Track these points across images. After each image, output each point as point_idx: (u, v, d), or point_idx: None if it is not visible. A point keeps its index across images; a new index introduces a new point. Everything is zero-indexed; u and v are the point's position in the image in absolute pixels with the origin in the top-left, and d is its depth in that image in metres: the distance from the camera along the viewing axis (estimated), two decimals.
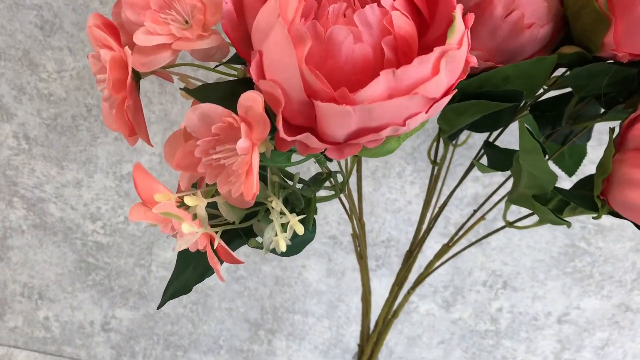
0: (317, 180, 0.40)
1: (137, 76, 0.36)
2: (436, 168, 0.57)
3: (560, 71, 0.47)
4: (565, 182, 0.54)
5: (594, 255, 0.82)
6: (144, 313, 0.92)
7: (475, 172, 0.80)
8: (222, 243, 0.34)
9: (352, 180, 0.56)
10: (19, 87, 0.76)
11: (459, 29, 0.30)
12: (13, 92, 0.77)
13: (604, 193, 0.40)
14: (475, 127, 0.50)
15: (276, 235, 0.32)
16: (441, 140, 0.55)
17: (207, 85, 0.34)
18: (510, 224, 0.51)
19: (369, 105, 0.28)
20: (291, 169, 0.38)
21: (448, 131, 0.48)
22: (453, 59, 0.30)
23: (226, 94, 0.34)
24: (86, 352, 0.96)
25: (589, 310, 0.87)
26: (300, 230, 0.31)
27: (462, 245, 0.59)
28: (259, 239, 0.38)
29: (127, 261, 0.88)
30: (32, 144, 0.80)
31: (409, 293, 0.61)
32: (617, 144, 0.41)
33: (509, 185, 0.54)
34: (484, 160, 0.53)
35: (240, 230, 0.37)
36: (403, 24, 0.31)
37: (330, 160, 0.41)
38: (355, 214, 0.55)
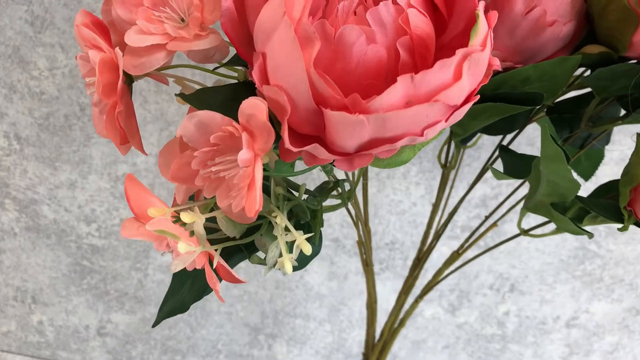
0: (324, 190, 0.37)
1: (129, 79, 0.33)
2: (439, 172, 0.55)
3: (579, 70, 0.44)
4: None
5: (604, 258, 0.80)
6: (141, 317, 0.90)
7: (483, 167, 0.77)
8: (223, 262, 0.31)
9: (358, 184, 0.54)
10: (9, 86, 0.73)
11: (482, 29, 0.27)
12: (3, 91, 0.74)
13: (630, 203, 0.38)
14: (489, 130, 0.48)
15: (281, 255, 0.30)
16: (451, 142, 0.53)
17: (205, 89, 0.31)
18: (525, 232, 0.48)
19: (384, 115, 0.26)
20: (296, 179, 0.36)
21: (461, 135, 0.45)
22: (476, 62, 0.27)
23: (226, 99, 0.31)
24: (81, 356, 0.93)
25: (599, 314, 0.84)
26: (307, 250, 0.29)
27: (470, 250, 0.56)
28: (260, 254, 0.36)
29: (123, 264, 0.85)
30: (23, 144, 0.77)
31: (416, 301, 0.58)
32: None
33: (520, 190, 0.51)
34: (497, 164, 0.50)
35: (241, 245, 0.34)
36: (420, 23, 0.28)
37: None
38: (361, 221, 0.52)
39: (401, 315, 0.60)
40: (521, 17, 0.37)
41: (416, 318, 0.86)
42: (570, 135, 0.46)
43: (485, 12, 0.29)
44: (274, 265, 0.31)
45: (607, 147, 0.52)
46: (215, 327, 0.90)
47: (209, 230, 0.33)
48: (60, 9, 0.68)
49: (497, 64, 0.29)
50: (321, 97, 0.27)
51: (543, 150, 0.36)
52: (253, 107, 0.27)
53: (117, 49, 0.31)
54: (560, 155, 0.35)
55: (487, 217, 0.53)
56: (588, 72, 0.44)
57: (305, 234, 0.37)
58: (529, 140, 0.72)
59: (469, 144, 0.56)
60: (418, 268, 0.56)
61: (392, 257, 0.82)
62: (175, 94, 0.29)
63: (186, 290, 0.36)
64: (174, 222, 0.31)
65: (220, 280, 0.34)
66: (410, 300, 0.62)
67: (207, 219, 0.32)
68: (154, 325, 0.38)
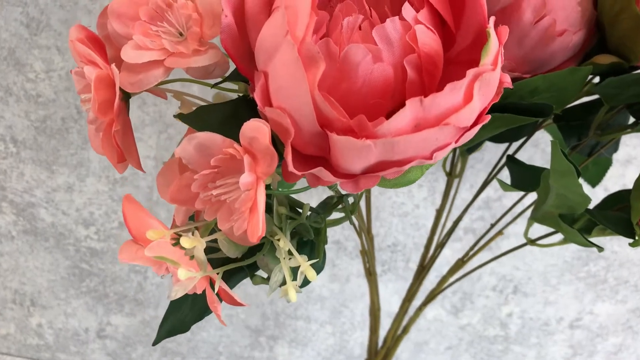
0: (327, 206, 0.36)
1: (126, 95, 0.32)
2: (442, 175, 0.54)
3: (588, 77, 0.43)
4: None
5: (609, 259, 0.79)
6: (141, 319, 0.89)
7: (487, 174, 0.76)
8: (225, 286, 0.30)
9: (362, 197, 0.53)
10: (5, 88, 0.72)
11: (493, 48, 0.26)
12: None
13: None
14: (496, 138, 0.46)
15: (284, 281, 0.29)
16: (456, 150, 0.52)
17: (204, 107, 0.30)
18: (532, 242, 0.47)
19: (392, 139, 0.24)
20: (298, 195, 0.35)
21: (467, 144, 0.44)
22: (487, 82, 0.26)
23: (226, 117, 0.30)
24: (81, 358, 0.93)
25: (603, 315, 0.84)
26: (312, 276, 0.28)
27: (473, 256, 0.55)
28: (262, 272, 0.35)
29: (122, 267, 0.85)
30: (20, 147, 0.76)
31: (420, 309, 0.57)
32: None
33: (525, 195, 0.50)
34: (501, 173, 0.49)
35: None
36: (428, 40, 0.27)
37: None
38: (364, 229, 0.51)
39: (405, 322, 0.59)
40: (530, 26, 0.36)
41: (418, 320, 0.85)
42: (579, 143, 0.45)
43: (495, 25, 0.28)
44: (278, 289, 0.30)
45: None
46: (215, 329, 0.89)
47: (209, 249, 0.32)
48: (56, 11, 0.67)
49: (508, 81, 0.28)
50: (326, 119, 0.26)
51: (553, 164, 0.35)
52: (255, 130, 0.26)
53: (113, 65, 0.30)
54: (571, 170, 0.34)
55: (492, 225, 0.52)
56: (597, 79, 0.43)
57: (309, 251, 0.37)
58: (534, 141, 0.71)
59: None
60: (422, 275, 0.55)
61: (394, 260, 0.81)
62: (174, 115, 0.28)
63: (187, 308, 0.35)
64: (174, 244, 0.30)
65: (221, 300, 0.33)
66: (414, 303, 0.61)
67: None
68: (154, 344, 0.37)
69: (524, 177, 0.41)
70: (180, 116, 0.28)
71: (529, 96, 0.38)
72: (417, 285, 0.55)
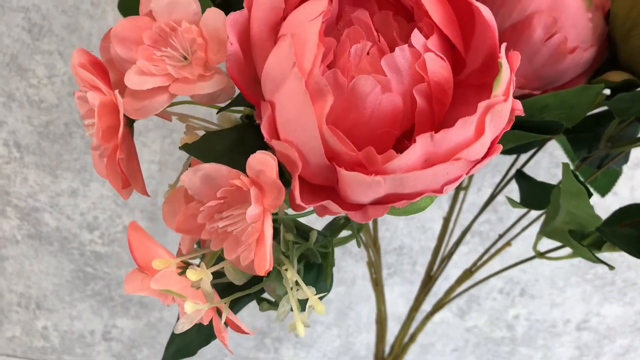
0: (334, 228, 0.36)
1: (130, 121, 0.31)
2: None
3: None
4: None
5: (616, 261, 0.78)
6: (146, 322, 0.89)
7: (493, 177, 0.76)
8: (232, 315, 0.30)
9: None
10: (7, 94, 0.72)
11: (505, 78, 0.25)
12: (1, 99, 0.72)
13: None
14: (505, 151, 0.46)
15: (292, 309, 0.28)
16: None
17: (209, 135, 0.30)
18: (540, 255, 0.47)
19: (402, 175, 0.24)
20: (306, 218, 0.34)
21: None
22: (499, 114, 0.25)
23: (232, 143, 0.30)
24: None
25: (610, 317, 0.83)
26: (321, 310, 0.27)
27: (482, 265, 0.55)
28: (267, 295, 0.34)
29: (128, 270, 0.84)
30: (23, 152, 0.76)
31: (427, 318, 0.57)
32: None
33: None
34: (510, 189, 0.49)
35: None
36: (438, 68, 0.26)
37: None
38: (370, 241, 0.51)
39: (412, 330, 0.59)
40: (541, 43, 0.35)
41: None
42: (588, 155, 0.44)
43: (506, 50, 0.28)
44: (285, 318, 0.29)
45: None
46: None
47: (214, 274, 0.32)
48: (58, 16, 0.66)
49: (520, 108, 0.27)
50: (334, 152, 0.25)
51: (564, 185, 0.34)
52: (262, 163, 0.26)
53: (116, 91, 0.29)
54: (582, 192, 0.34)
55: (500, 236, 0.51)
56: (608, 90, 0.43)
57: (316, 273, 0.36)
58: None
59: None
60: (429, 285, 0.55)
61: (400, 262, 0.81)
62: (180, 147, 0.28)
63: (193, 333, 0.35)
64: (180, 273, 0.29)
65: (227, 325, 0.33)
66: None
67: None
68: None
69: (534, 193, 0.40)
70: (185, 147, 0.28)
71: (539, 113, 0.37)
72: (424, 294, 0.55)
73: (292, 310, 0.29)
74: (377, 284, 0.53)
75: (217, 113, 0.31)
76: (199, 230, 0.28)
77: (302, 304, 0.29)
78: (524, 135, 0.37)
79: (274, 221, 0.32)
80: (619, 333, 0.84)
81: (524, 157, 0.48)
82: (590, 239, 0.41)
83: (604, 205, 0.75)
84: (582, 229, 0.39)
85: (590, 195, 0.34)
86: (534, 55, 0.36)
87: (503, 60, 0.25)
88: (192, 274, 0.27)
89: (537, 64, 0.36)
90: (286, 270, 0.29)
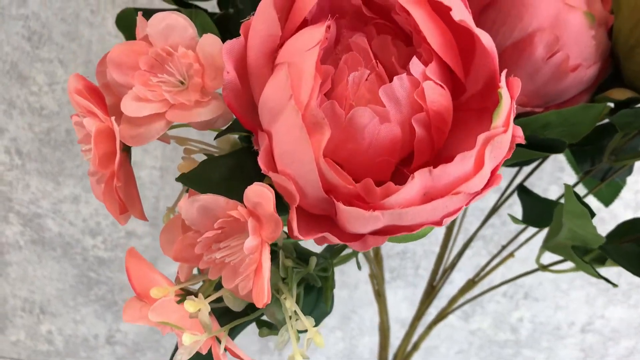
0: (334, 250, 0.35)
1: (127, 146, 0.31)
2: None
3: None
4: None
5: None
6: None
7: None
8: (231, 344, 0.29)
9: None
10: (8, 101, 0.71)
11: (504, 109, 0.25)
12: (2, 107, 0.72)
13: None
14: (506, 164, 0.45)
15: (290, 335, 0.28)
16: None
17: (206, 163, 0.29)
18: (544, 268, 0.46)
19: (400, 210, 0.24)
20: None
21: None
22: (499, 145, 0.25)
23: (230, 171, 0.29)
24: None
25: (615, 319, 0.83)
26: (320, 343, 0.27)
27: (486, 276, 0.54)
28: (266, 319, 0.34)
29: None
30: (25, 159, 0.75)
31: (430, 327, 0.57)
32: None
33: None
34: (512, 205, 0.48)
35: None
36: (437, 96, 0.26)
37: None
38: (371, 255, 0.50)
39: (414, 339, 0.59)
40: (543, 62, 0.35)
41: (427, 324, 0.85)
42: (592, 168, 0.44)
43: (507, 74, 0.27)
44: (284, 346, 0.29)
45: None
46: None
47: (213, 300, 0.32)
48: (57, 24, 0.66)
49: (520, 135, 0.27)
50: (331, 185, 0.25)
51: (567, 205, 0.34)
52: (259, 196, 0.25)
53: (113, 119, 0.29)
54: (585, 213, 0.33)
55: (504, 247, 0.51)
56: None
57: (316, 295, 0.36)
58: None
59: None
60: (432, 296, 0.54)
61: (404, 267, 0.80)
62: (176, 179, 0.28)
63: (194, 357, 0.35)
64: (178, 302, 0.29)
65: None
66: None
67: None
68: None
69: (536, 209, 0.40)
70: (181, 179, 0.27)
71: (541, 130, 0.37)
72: (426, 304, 0.55)
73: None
74: (380, 295, 0.53)
75: (215, 138, 0.31)
76: (196, 259, 0.28)
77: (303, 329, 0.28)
78: (526, 152, 0.37)
79: (274, 244, 0.32)
80: (624, 335, 0.84)
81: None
82: (594, 254, 0.41)
83: (608, 209, 0.74)
84: (585, 245, 0.39)
85: (593, 215, 0.34)
86: (536, 74, 0.35)
87: (503, 90, 0.25)
88: (189, 305, 0.27)
89: (539, 82, 0.35)
90: (285, 299, 0.28)
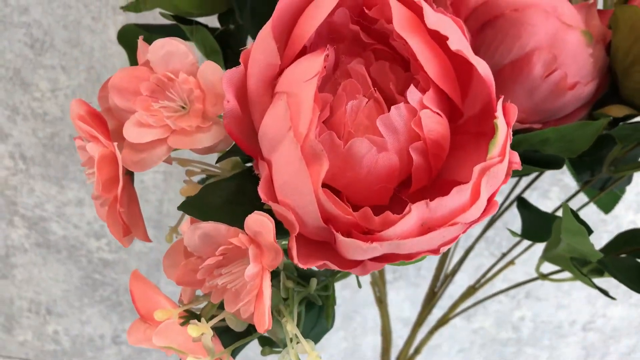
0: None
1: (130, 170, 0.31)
2: None
3: None
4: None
5: None
6: None
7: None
8: None
9: None
10: (11, 107, 0.72)
11: (500, 139, 0.25)
12: (6, 112, 0.72)
13: None
14: None
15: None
16: None
17: (208, 187, 0.30)
18: (543, 277, 0.47)
19: (398, 242, 0.24)
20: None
21: None
22: (495, 174, 0.25)
23: (231, 195, 0.30)
24: None
25: (616, 318, 0.83)
26: None
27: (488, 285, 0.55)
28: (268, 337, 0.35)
29: None
30: (29, 163, 0.76)
31: (431, 332, 0.57)
32: None
33: None
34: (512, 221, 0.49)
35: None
36: (434, 125, 0.26)
37: None
38: None
39: (416, 343, 0.59)
40: (541, 80, 0.35)
41: (430, 325, 0.86)
42: (591, 179, 0.44)
43: (505, 95, 0.28)
44: None
45: None
46: None
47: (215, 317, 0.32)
48: (59, 31, 0.66)
49: (517, 161, 0.27)
50: (330, 215, 0.25)
51: (565, 223, 0.34)
52: (259, 225, 0.26)
53: (115, 144, 0.30)
54: (582, 231, 0.34)
55: (504, 255, 0.51)
56: None
57: (317, 312, 0.36)
58: None
59: None
60: (432, 302, 0.55)
61: (406, 267, 0.81)
62: (178, 207, 0.28)
63: None
64: (182, 324, 0.30)
65: None
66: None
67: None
68: None
69: (535, 223, 0.40)
70: (182, 207, 0.28)
71: (540, 145, 0.37)
72: (427, 310, 0.55)
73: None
74: (381, 302, 0.54)
75: (217, 162, 0.31)
76: (199, 283, 0.29)
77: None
78: (526, 168, 0.37)
79: None
80: (625, 334, 0.84)
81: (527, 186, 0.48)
82: (592, 265, 0.42)
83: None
84: (583, 257, 0.39)
85: (590, 232, 0.34)
86: (534, 91, 0.35)
87: (499, 121, 0.25)
88: (193, 330, 0.28)
89: (537, 99, 0.36)
90: (286, 322, 0.29)
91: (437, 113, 0.27)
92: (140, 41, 0.32)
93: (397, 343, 0.78)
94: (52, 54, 0.68)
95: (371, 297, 0.85)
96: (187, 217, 0.32)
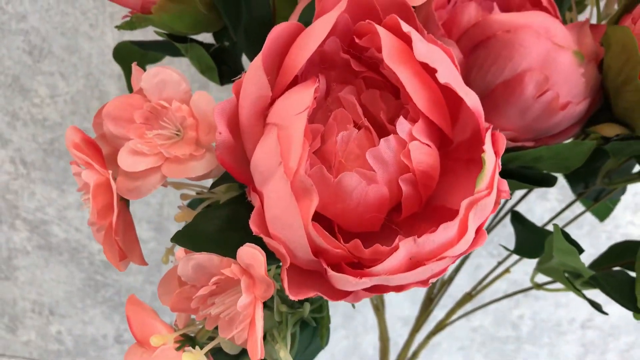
0: None
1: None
2: None
3: None
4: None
5: None
6: None
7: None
8: None
9: None
10: (11, 113, 0.72)
11: (488, 172, 0.25)
12: (6, 118, 0.73)
13: None
14: None
15: None
16: None
17: (202, 214, 0.30)
18: (538, 287, 0.47)
19: (387, 277, 0.24)
20: None
21: None
22: (483, 207, 0.25)
23: (225, 222, 0.30)
24: None
25: (614, 315, 0.84)
26: None
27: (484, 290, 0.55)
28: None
29: (137, 278, 0.86)
30: (30, 168, 0.76)
31: (428, 337, 0.58)
32: None
33: None
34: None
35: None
36: (423, 157, 0.27)
37: None
38: None
39: (414, 347, 0.60)
40: (533, 100, 0.35)
41: (430, 324, 0.86)
42: (585, 190, 0.45)
43: (497, 120, 0.28)
44: None
45: None
46: None
47: (210, 337, 0.33)
48: (57, 38, 0.66)
49: (506, 190, 0.28)
50: (320, 249, 0.26)
51: (556, 243, 0.35)
52: (251, 258, 0.26)
53: (110, 173, 0.30)
54: (573, 251, 0.34)
55: (499, 263, 0.52)
56: None
57: (312, 331, 0.37)
58: None
59: None
60: (429, 308, 0.55)
61: None
62: (171, 239, 0.28)
63: None
64: (177, 349, 0.30)
65: None
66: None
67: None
68: None
69: (528, 239, 0.41)
70: (175, 239, 0.28)
71: (533, 162, 0.38)
72: (424, 317, 0.56)
73: None
74: (378, 309, 0.54)
75: (210, 189, 0.32)
76: (194, 310, 0.29)
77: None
78: (519, 185, 0.38)
79: None
80: (624, 331, 0.85)
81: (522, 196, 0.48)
82: (585, 278, 0.42)
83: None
84: (576, 272, 0.40)
85: (581, 252, 0.34)
86: (526, 111, 0.36)
87: (487, 155, 0.25)
88: (187, 357, 0.28)
89: (529, 118, 0.36)
90: (279, 348, 0.29)
91: (426, 144, 0.27)
92: (135, 67, 0.33)
93: (398, 342, 0.79)
94: (50, 61, 0.68)
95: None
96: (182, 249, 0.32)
